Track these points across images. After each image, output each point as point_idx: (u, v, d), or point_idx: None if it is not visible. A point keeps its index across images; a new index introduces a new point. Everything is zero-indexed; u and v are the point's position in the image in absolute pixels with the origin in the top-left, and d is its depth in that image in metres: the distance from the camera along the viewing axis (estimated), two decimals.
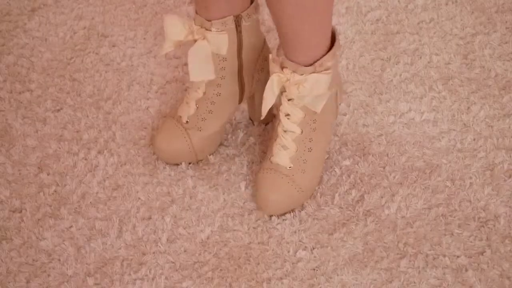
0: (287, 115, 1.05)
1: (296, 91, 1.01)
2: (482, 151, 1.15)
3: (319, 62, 1.01)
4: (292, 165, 1.06)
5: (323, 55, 1.01)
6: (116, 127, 1.21)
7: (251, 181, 1.12)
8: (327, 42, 1.02)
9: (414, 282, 0.98)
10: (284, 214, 1.07)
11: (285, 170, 1.05)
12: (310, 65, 1.00)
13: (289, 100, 1.04)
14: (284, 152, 1.06)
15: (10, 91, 1.28)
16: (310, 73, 1.00)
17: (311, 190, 1.08)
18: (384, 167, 1.13)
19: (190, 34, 1.05)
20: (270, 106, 1.03)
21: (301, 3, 0.94)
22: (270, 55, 1.03)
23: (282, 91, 1.04)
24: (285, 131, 1.06)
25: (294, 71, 1.00)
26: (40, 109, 1.25)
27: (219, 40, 1.05)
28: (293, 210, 1.07)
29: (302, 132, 1.05)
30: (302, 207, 1.08)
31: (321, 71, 1.01)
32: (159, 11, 1.42)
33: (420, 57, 1.31)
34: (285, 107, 1.04)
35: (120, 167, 1.15)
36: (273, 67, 1.02)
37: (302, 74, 1.00)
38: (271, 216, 1.07)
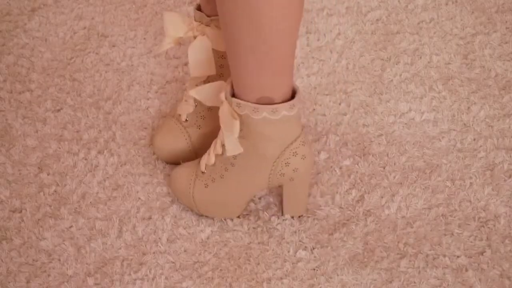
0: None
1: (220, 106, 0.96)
2: (482, 151, 1.15)
3: (236, 99, 0.92)
4: (205, 172, 1.03)
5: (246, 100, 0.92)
6: (116, 127, 1.21)
7: None
8: (271, 91, 0.91)
9: (414, 282, 0.98)
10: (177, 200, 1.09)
11: (198, 169, 1.04)
12: (233, 95, 0.94)
13: None
14: (205, 155, 1.03)
15: (10, 91, 1.28)
16: (226, 99, 0.94)
17: (205, 209, 1.05)
18: (384, 167, 1.13)
19: (190, 30, 1.05)
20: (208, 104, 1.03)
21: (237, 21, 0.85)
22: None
23: None
24: (215, 140, 1.02)
25: (227, 88, 0.94)
26: (40, 109, 1.25)
27: (218, 36, 1.04)
28: None
29: (222, 154, 1.00)
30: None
31: (237, 111, 0.93)
32: (159, 11, 1.42)
33: (420, 57, 1.31)
34: None
35: (120, 167, 1.15)
36: None
37: (226, 97, 0.94)
38: (271, 216, 1.07)
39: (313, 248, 1.03)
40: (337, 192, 1.09)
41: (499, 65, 1.29)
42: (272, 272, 1.00)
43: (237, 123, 0.92)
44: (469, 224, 1.05)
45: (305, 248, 1.03)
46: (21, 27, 1.41)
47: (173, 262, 1.02)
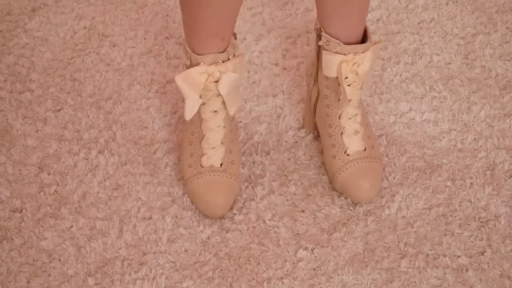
0: (350, 100, 1.07)
1: (361, 72, 1.04)
2: (482, 151, 1.15)
3: (368, 33, 1.05)
4: (365, 146, 1.08)
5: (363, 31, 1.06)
6: (117, 127, 1.21)
7: (251, 182, 1.12)
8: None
9: (415, 282, 0.98)
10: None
11: (364, 154, 1.07)
12: (364, 42, 1.05)
13: (348, 85, 1.05)
14: (355, 137, 1.07)
15: (11, 91, 1.28)
16: (369, 49, 1.03)
17: (381, 157, 1.12)
18: (384, 168, 1.13)
19: (210, 76, 1.03)
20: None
21: None
22: (322, 43, 1.05)
23: (339, 81, 1.06)
24: (349, 118, 1.08)
25: (355, 54, 1.03)
26: (41, 109, 1.25)
27: (242, 63, 1.05)
28: (294, 210, 1.07)
29: (361, 112, 1.09)
30: (302, 210, 1.08)
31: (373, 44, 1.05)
32: (159, 11, 1.42)
33: (421, 57, 1.31)
34: (348, 93, 1.05)
35: (121, 167, 1.15)
36: (334, 55, 1.04)
37: (363, 52, 1.03)
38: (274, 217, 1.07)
39: (314, 248, 1.03)
40: (337, 192, 1.09)
41: (500, 65, 1.29)
42: (273, 272, 1.00)
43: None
44: (469, 224, 1.05)
45: (305, 248, 1.03)
46: (21, 27, 1.41)
47: (173, 262, 1.02)
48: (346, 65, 1.04)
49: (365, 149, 1.08)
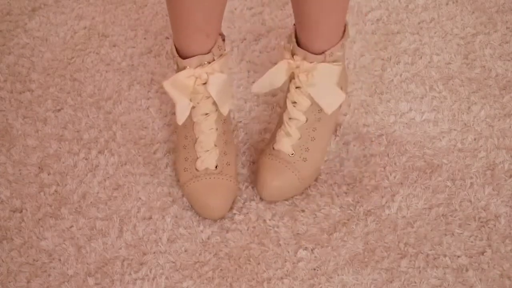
0: (294, 102, 1.07)
1: (304, 79, 1.03)
2: (482, 151, 1.15)
3: (328, 51, 1.03)
4: (294, 153, 1.07)
5: (333, 46, 1.03)
6: (117, 127, 1.21)
7: (251, 182, 1.12)
8: (341, 33, 1.05)
9: (415, 282, 0.98)
10: (280, 200, 1.08)
11: (287, 157, 1.06)
12: (321, 54, 1.02)
13: (296, 87, 1.06)
14: (286, 139, 1.07)
15: (11, 91, 1.28)
16: (320, 62, 1.03)
17: (310, 179, 1.09)
18: (384, 167, 1.13)
19: (197, 78, 1.03)
20: (270, 89, 1.07)
21: None
22: (283, 42, 1.03)
23: (291, 78, 1.06)
24: (290, 119, 1.07)
25: (304, 59, 1.02)
26: (41, 109, 1.25)
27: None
28: (294, 210, 1.07)
29: (306, 120, 1.07)
30: (302, 210, 1.08)
31: (331, 61, 1.03)
32: (159, 11, 1.42)
33: (421, 57, 1.31)
34: (292, 94, 1.06)
35: (121, 167, 1.15)
36: (284, 53, 1.05)
37: (311, 62, 1.02)
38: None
39: (314, 248, 1.03)
40: (337, 192, 1.09)
41: (500, 65, 1.29)
42: (273, 272, 1.01)
43: (339, 69, 1.05)
44: (469, 224, 1.05)
45: (305, 248, 1.03)
46: (21, 27, 1.41)
47: (173, 262, 1.02)
48: (291, 65, 1.04)
49: (293, 155, 1.07)
